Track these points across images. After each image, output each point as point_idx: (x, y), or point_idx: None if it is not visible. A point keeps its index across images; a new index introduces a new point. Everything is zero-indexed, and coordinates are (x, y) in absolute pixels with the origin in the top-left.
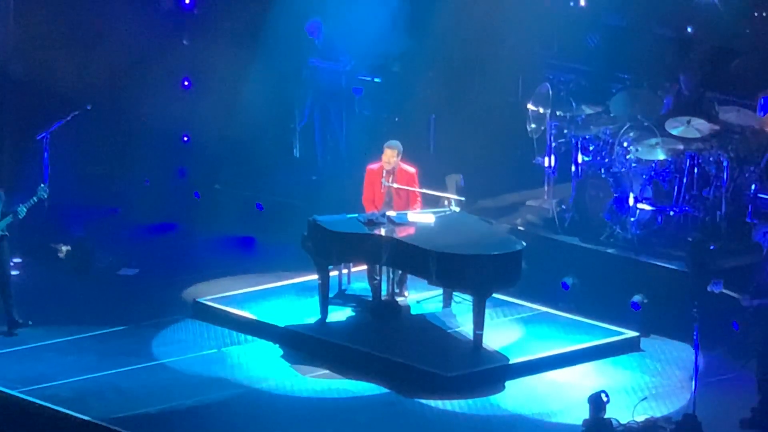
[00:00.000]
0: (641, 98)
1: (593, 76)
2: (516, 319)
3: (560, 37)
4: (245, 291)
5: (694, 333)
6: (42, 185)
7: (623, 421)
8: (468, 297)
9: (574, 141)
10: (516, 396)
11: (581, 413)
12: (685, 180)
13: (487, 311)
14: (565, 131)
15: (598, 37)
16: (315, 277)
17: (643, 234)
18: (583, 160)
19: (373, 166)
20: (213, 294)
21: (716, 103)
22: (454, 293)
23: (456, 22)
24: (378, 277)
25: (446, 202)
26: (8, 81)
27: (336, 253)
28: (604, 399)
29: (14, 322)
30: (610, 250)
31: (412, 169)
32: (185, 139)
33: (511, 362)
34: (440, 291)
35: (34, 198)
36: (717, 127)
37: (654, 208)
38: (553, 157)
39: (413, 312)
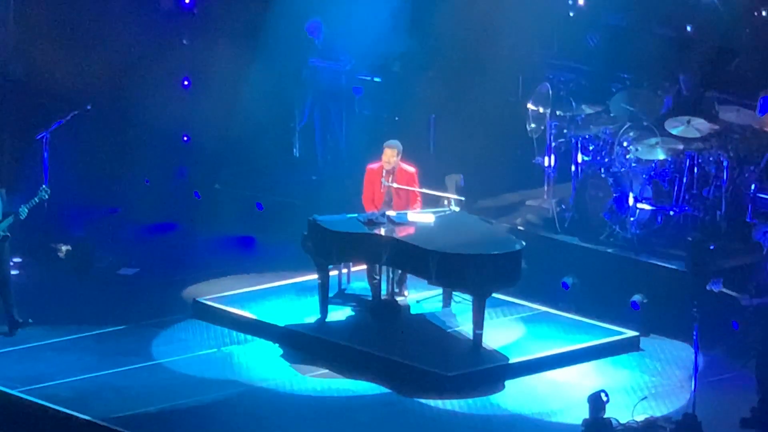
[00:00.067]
0: (641, 98)
1: (593, 75)
2: (516, 318)
3: (560, 36)
4: (245, 291)
5: (694, 332)
6: (43, 186)
7: (623, 421)
8: (468, 297)
9: (573, 141)
10: (516, 395)
11: (581, 413)
12: (684, 180)
13: (486, 311)
14: (565, 131)
15: (598, 37)
16: (315, 276)
17: (642, 234)
18: (582, 159)
19: (373, 165)
20: (213, 293)
21: (716, 103)
22: (454, 293)
23: (456, 22)
24: (378, 277)
25: (446, 202)
26: (8, 81)
27: (336, 253)
28: (604, 398)
29: (14, 321)
30: (609, 250)
31: (412, 169)
32: (185, 138)
33: (510, 362)
34: (440, 291)
35: (36, 199)
36: (717, 127)
37: (654, 208)
38: (552, 157)
39: (413, 312)
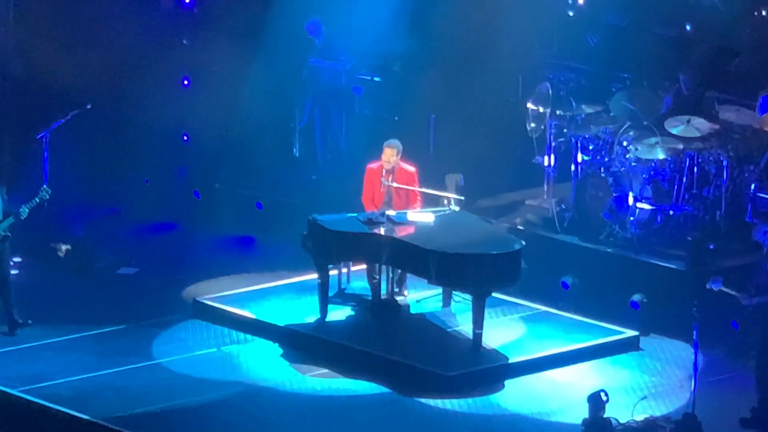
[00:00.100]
0: (641, 97)
1: (593, 75)
2: (515, 318)
3: (560, 36)
4: (245, 290)
5: (694, 332)
6: (44, 186)
7: (623, 421)
8: (467, 296)
9: (573, 140)
10: (516, 395)
11: (581, 412)
12: (684, 179)
13: (486, 310)
14: (565, 130)
15: (598, 37)
16: (315, 276)
17: (642, 233)
18: (582, 159)
19: (373, 165)
20: (213, 293)
21: (716, 103)
22: (454, 292)
23: (456, 22)
24: (377, 277)
25: (446, 202)
26: (8, 81)
27: (336, 253)
28: (604, 398)
29: (14, 322)
30: (609, 250)
31: (411, 169)
32: (185, 138)
33: (510, 361)
34: (440, 290)
35: (36, 199)
36: (717, 127)
37: (653, 208)
38: (552, 157)
39: (413, 311)
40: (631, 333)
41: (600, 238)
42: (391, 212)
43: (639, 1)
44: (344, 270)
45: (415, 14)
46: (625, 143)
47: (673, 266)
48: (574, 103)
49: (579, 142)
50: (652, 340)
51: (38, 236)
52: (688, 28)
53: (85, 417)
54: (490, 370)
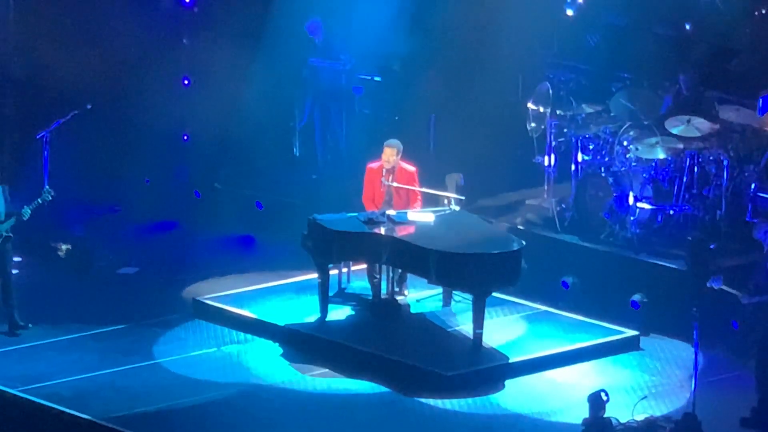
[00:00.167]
0: (641, 97)
1: (593, 75)
2: (516, 318)
3: (560, 36)
4: (245, 290)
5: (694, 332)
6: (46, 187)
7: (623, 420)
8: (468, 296)
9: (574, 140)
10: (516, 395)
11: (581, 412)
12: (685, 179)
13: (486, 310)
14: (565, 130)
15: (598, 36)
16: (315, 275)
17: (642, 233)
18: (583, 159)
19: (373, 164)
20: (213, 293)
21: (716, 102)
22: (454, 292)
23: (456, 22)
24: (378, 276)
25: (446, 201)
26: (8, 81)
27: (336, 252)
28: (604, 398)
29: (15, 324)
30: (609, 249)
31: (412, 168)
32: (185, 138)
33: (510, 361)
34: (440, 290)
35: (39, 200)
36: (717, 126)
37: (654, 207)
38: (553, 156)
39: (413, 311)
40: (631, 333)
41: (600, 237)
42: (391, 212)
43: (639, 1)
44: (344, 270)
45: (416, 14)
46: (625, 143)
47: (673, 266)
48: (574, 103)
49: (579, 141)
50: (652, 340)
51: (38, 236)
52: (687, 27)
53: (85, 417)
54: (491, 370)
